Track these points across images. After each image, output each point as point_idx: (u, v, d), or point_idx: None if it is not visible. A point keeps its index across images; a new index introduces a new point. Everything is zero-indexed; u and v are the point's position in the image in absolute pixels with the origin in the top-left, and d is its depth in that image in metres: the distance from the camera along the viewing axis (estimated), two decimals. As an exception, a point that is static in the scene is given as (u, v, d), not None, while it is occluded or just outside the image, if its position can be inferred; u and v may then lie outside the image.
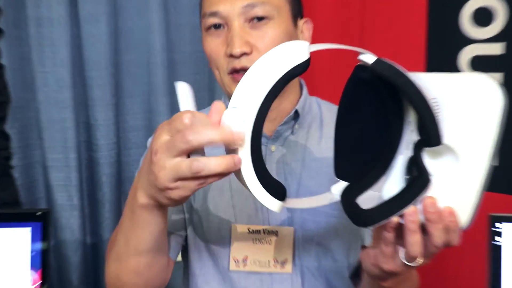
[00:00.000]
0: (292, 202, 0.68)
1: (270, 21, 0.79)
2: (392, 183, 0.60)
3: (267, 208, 0.79)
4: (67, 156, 1.37)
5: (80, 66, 1.38)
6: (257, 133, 0.54)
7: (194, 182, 0.51)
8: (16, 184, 1.32)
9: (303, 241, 0.83)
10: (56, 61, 1.34)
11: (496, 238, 0.89)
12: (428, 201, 0.55)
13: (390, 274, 0.61)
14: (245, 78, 0.55)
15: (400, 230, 0.57)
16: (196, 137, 0.49)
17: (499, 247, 0.88)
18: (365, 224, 0.57)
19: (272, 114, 0.85)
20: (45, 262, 0.73)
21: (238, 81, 0.77)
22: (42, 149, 1.38)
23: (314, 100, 0.93)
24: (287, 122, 0.86)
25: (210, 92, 1.49)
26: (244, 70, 0.78)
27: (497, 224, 0.89)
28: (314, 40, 0.86)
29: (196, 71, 1.47)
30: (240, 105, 0.54)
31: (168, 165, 0.50)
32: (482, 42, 1.16)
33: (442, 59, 1.21)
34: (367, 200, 0.60)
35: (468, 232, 0.57)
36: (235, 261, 0.82)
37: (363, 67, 0.57)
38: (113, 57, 1.38)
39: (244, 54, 0.77)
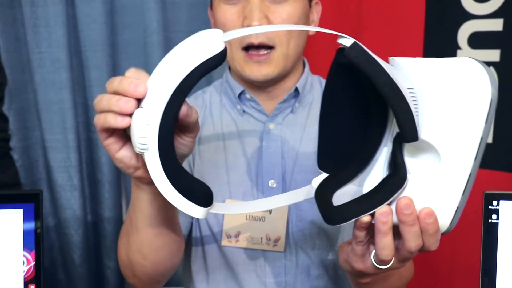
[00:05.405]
0: (262, 202, 0.62)
1: None
2: (374, 178, 0.56)
3: (262, 185, 0.82)
4: (66, 137, 1.38)
5: (76, 47, 1.37)
6: (165, 135, 0.49)
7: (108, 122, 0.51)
8: (16, 166, 1.29)
9: (297, 220, 0.83)
10: (51, 42, 1.34)
11: (493, 216, 0.88)
12: (403, 201, 0.51)
13: (361, 274, 0.59)
14: (153, 74, 0.50)
15: (373, 230, 0.53)
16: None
17: (496, 225, 0.87)
18: (332, 222, 0.52)
19: (275, 92, 0.85)
20: (39, 243, 0.73)
21: (253, 61, 0.78)
22: (41, 130, 1.39)
23: (317, 79, 0.91)
24: (287, 100, 0.85)
25: (207, 77, 1.42)
26: (262, 46, 0.77)
27: (493, 202, 0.88)
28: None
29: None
30: (146, 105, 0.49)
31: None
32: (481, 18, 1.14)
33: (441, 34, 1.18)
34: (343, 195, 0.56)
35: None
36: (227, 237, 0.82)
37: (342, 51, 0.52)
38: (109, 37, 1.37)
39: None
